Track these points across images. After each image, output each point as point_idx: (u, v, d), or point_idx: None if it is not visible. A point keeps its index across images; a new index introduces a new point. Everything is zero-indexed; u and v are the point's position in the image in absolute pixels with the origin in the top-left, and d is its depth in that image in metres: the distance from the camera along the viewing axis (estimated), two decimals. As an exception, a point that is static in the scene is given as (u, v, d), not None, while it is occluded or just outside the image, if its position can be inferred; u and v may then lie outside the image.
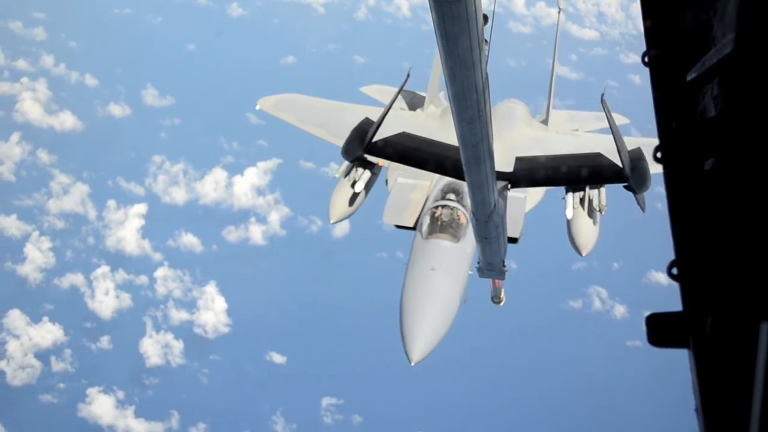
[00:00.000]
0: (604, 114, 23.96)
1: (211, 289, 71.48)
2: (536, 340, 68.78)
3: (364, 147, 10.95)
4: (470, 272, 17.50)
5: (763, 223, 2.93)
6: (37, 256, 72.03)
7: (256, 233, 78.09)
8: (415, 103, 23.66)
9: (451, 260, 17.04)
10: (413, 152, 10.98)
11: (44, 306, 68.71)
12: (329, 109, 23.66)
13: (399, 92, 16.41)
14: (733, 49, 3.17)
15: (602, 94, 11.33)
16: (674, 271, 3.45)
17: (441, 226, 17.58)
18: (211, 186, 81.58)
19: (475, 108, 6.54)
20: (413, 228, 18.40)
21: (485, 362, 64.26)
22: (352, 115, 21.28)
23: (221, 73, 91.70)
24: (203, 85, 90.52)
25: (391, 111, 11.41)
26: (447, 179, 18.33)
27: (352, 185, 20.77)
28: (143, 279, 72.60)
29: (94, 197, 78.65)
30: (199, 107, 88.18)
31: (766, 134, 2.90)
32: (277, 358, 67.74)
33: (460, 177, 8.31)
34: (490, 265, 11.81)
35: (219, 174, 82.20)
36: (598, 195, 20.43)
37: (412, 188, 19.75)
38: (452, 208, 17.75)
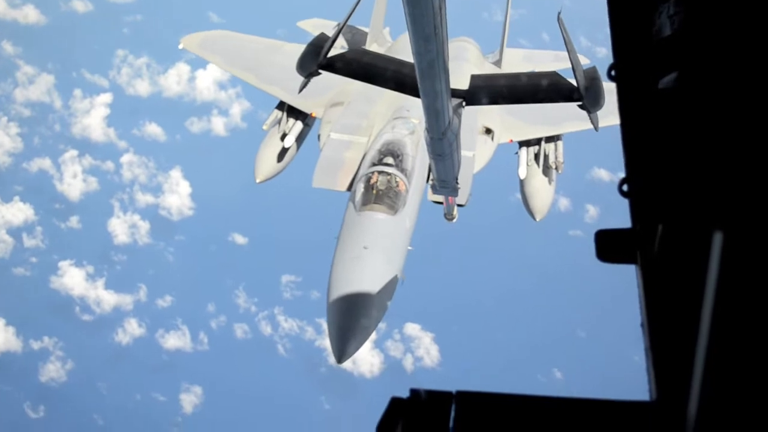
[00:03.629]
0: (560, 54, 21.90)
1: (176, 174, 74.11)
2: (485, 232, 71.77)
3: (319, 62, 9.99)
4: (410, 248, 16.03)
5: (717, 138, 2.87)
6: (5, 140, 74.00)
7: (218, 125, 79.98)
8: (356, 40, 22.01)
9: (388, 236, 15.34)
10: (369, 68, 10.27)
11: (14, 187, 71.15)
12: (260, 50, 21.88)
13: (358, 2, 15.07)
14: None
15: (559, 13, 10.65)
16: (624, 188, 3.43)
17: (377, 195, 15.75)
18: (174, 79, 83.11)
19: (431, 25, 6.45)
20: (348, 190, 16.75)
21: (434, 256, 66.98)
22: (285, 56, 20.74)
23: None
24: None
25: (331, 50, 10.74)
26: (385, 137, 17.05)
27: (282, 138, 19.59)
28: (110, 164, 74.90)
29: (59, 87, 79.99)
30: (160, 4, 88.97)
31: (720, 53, 2.83)
32: (239, 239, 70.72)
33: (417, 94, 8.11)
34: (443, 183, 11.12)
35: (182, 68, 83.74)
36: (555, 149, 20.05)
37: (346, 146, 17.81)
38: (390, 175, 16.03)
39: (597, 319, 65.45)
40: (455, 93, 9.20)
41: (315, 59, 10.19)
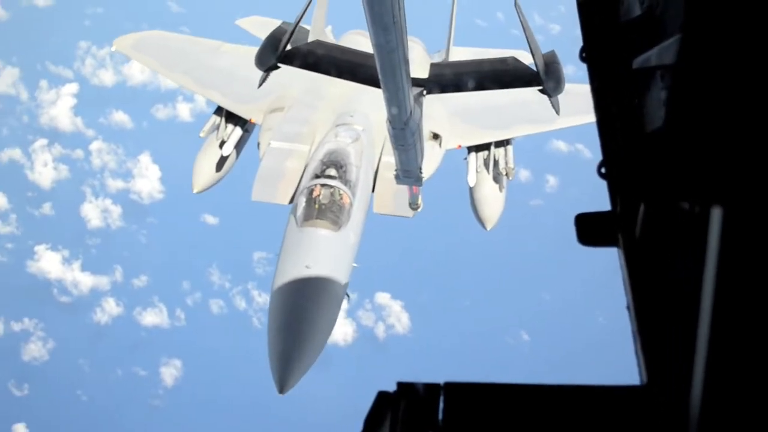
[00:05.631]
0: (507, 53, 18.73)
1: (144, 159, 75.18)
2: (448, 206, 72.98)
3: (278, 55, 9.73)
4: (355, 264, 15.25)
5: (696, 114, 2.76)
6: (-26, 133, 75.08)
7: (183, 111, 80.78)
8: (297, 38, 20.36)
9: (331, 253, 14.50)
10: (329, 60, 10.02)
11: (-15, 177, 72.29)
12: (196, 52, 20.92)
13: None
14: None
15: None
16: (603, 170, 3.38)
17: (319, 210, 14.85)
18: (138, 68, 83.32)
19: (390, 15, 6.38)
20: (290, 203, 15.74)
21: (397, 228, 68.45)
22: (221, 58, 20.33)
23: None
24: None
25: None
26: (327, 146, 16.19)
27: (221, 146, 18.64)
28: (79, 153, 75.79)
29: (24, 80, 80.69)
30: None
31: (696, 29, 2.73)
32: (210, 219, 72.08)
33: (376, 85, 8.00)
34: (407, 172, 10.79)
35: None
36: (505, 155, 19.20)
37: (287, 154, 16.71)
38: (332, 188, 15.12)
39: (560, 282, 67.32)
40: (415, 82, 8.98)
41: (273, 53, 9.93)
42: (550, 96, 9.98)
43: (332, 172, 15.45)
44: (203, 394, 61.10)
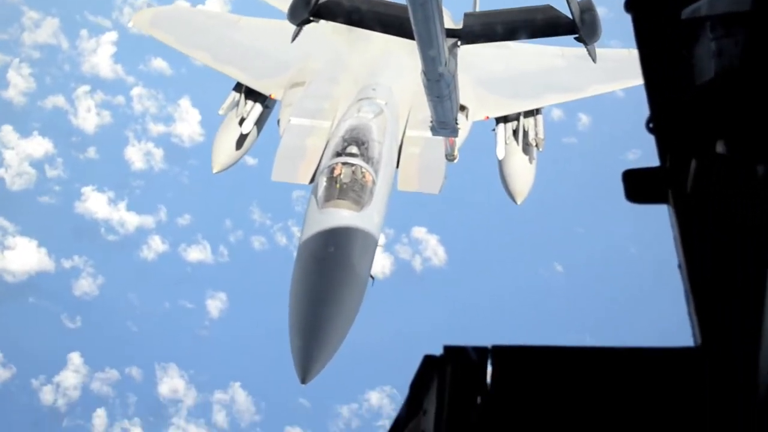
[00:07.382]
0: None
1: (185, 103, 76.64)
2: (478, 153, 74.02)
3: (310, 9, 9.30)
4: (380, 245, 14.93)
5: (752, 66, 2.68)
6: (19, 81, 76.40)
7: None
8: None
9: (355, 234, 14.02)
10: (360, 12, 9.59)
11: (32, 124, 73.93)
12: (216, 26, 20.49)
13: None
14: None
15: None
16: (651, 125, 3.32)
17: (341, 189, 14.37)
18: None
19: None
20: (311, 183, 15.25)
21: None
22: (241, 32, 19.90)
23: None
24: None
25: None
26: (349, 122, 15.66)
27: (240, 123, 18.39)
28: (120, 99, 77.33)
29: (64, 30, 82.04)
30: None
31: None
32: (249, 160, 73.14)
33: (410, 36, 7.83)
34: (443, 124, 10.53)
35: (182, 5, 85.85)
36: (534, 125, 18.74)
37: (308, 132, 16.16)
38: (354, 166, 14.64)
39: (593, 217, 68.24)
40: (450, 33, 8.80)
41: (306, 6, 9.48)
42: (586, 44, 9.69)
43: (354, 149, 15.02)
44: (248, 325, 63.03)
